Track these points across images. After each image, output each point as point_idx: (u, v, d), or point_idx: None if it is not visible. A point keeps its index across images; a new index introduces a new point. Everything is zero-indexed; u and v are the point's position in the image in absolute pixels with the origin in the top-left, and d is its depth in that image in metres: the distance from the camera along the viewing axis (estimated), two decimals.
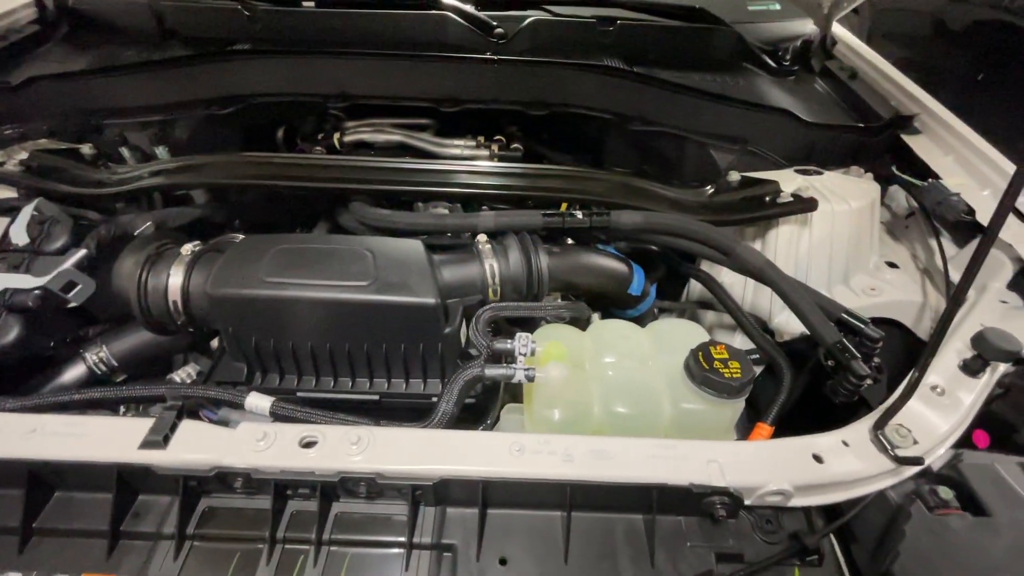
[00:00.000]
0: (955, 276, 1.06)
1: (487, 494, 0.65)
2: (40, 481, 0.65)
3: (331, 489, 0.65)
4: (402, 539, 0.64)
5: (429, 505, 0.66)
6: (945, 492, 0.68)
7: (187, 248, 0.91)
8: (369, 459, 0.64)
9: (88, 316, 1.06)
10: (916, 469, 0.68)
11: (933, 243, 1.13)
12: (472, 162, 1.33)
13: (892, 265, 1.21)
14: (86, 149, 1.21)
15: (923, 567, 0.61)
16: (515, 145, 1.43)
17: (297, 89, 1.34)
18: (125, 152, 1.25)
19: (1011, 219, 1.04)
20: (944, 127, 1.26)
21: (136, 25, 1.52)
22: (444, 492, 0.65)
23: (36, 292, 0.93)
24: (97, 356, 1.01)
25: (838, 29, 1.55)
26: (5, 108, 1.23)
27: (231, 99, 1.31)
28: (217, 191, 1.26)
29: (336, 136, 1.45)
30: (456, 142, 1.44)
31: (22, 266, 0.96)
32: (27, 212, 1.00)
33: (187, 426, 0.67)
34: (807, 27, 1.58)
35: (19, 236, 0.98)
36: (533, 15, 1.43)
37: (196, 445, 0.65)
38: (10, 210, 1.06)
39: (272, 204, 1.30)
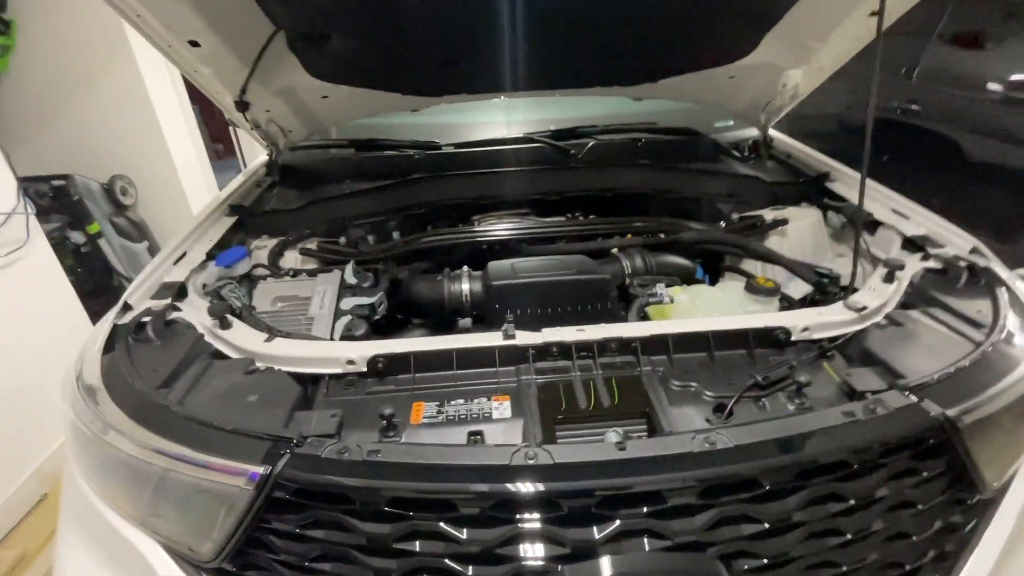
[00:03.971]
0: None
1: (673, 344, 1.33)
2: (453, 362, 1.30)
3: (600, 347, 1.31)
4: (637, 367, 1.30)
5: (644, 355, 1.34)
6: (885, 322, 1.41)
7: (465, 269, 1.65)
8: (609, 332, 1.33)
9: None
10: (867, 313, 1.41)
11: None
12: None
13: (840, 256, 2.02)
14: (342, 240, 1.98)
15: (872, 343, 1.32)
16: (591, 216, 2.26)
17: (458, 195, 2.17)
18: (370, 238, 2.02)
19: (897, 218, 1.86)
20: (845, 176, 2.14)
21: (328, 168, 2.37)
22: (647, 346, 1.33)
23: (368, 306, 1.63)
24: None
25: (773, 132, 2.52)
26: (293, 220, 2.00)
27: (422, 204, 2.13)
28: (432, 251, 2.01)
29: (476, 223, 2.26)
30: (553, 218, 2.26)
31: (356, 294, 1.66)
32: (351, 266, 1.72)
33: (520, 332, 1.35)
34: (753, 132, 2.55)
35: (350, 278, 1.69)
36: (591, 141, 2.34)
37: (529, 337, 1.33)
38: (319, 271, 1.78)
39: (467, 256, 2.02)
